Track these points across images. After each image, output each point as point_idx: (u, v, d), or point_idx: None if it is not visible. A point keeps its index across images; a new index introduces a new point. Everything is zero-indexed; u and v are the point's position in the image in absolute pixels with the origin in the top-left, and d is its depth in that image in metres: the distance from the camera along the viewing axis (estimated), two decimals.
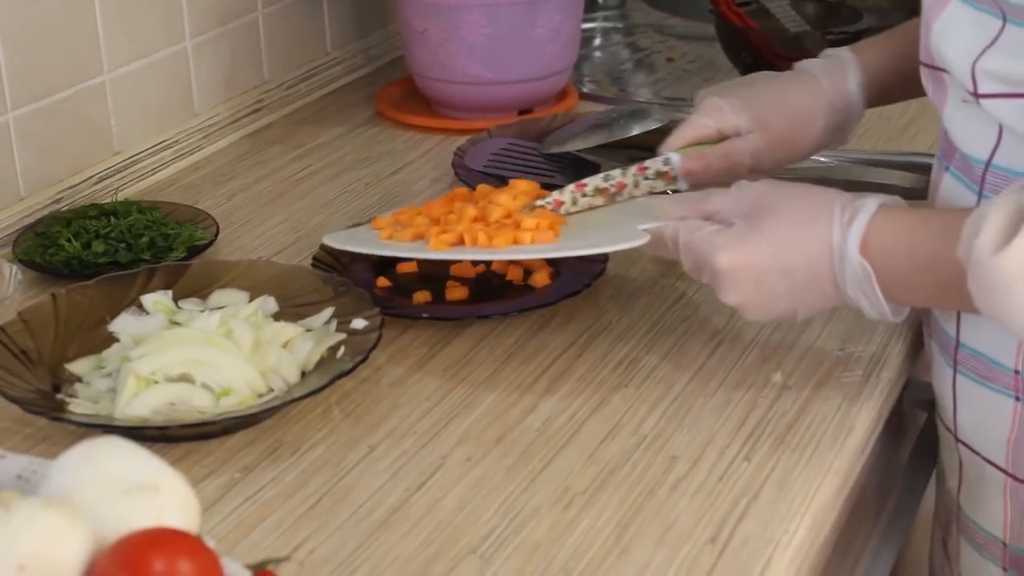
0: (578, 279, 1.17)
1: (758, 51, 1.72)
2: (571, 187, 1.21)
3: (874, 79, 1.21)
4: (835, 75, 1.20)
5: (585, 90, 1.73)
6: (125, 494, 0.69)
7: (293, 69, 1.65)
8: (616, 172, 1.22)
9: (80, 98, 1.35)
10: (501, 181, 1.36)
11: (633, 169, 1.21)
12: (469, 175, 1.38)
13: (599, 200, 1.21)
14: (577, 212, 1.19)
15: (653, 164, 1.21)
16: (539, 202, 1.20)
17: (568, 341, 1.11)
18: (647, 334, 1.11)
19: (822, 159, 1.40)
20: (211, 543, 0.71)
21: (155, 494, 0.70)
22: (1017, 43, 0.91)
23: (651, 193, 1.21)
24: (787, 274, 0.98)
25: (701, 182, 1.19)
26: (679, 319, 1.14)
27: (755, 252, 0.99)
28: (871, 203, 0.97)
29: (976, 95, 0.94)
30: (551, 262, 1.19)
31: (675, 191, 1.21)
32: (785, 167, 1.24)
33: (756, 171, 1.20)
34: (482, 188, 1.23)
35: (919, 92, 1.20)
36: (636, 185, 1.22)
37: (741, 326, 1.11)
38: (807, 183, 1.03)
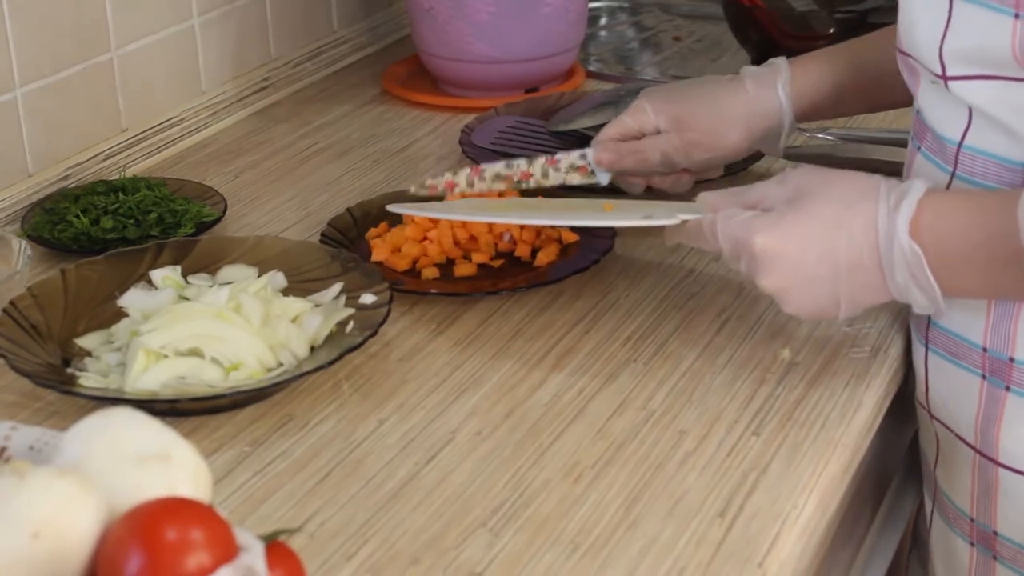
0: (586, 256, 1.17)
1: (765, 30, 1.72)
2: (467, 171, 1.22)
3: (806, 91, 1.21)
4: (765, 83, 1.21)
5: (592, 69, 1.73)
6: (137, 464, 0.70)
7: (300, 47, 1.65)
8: (522, 161, 1.24)
9: (88, 75, 1.35)
10: (508, 158, 1.37)
11: (542, 160, 1.24)
12: (476, 152, 1.38)
13: (500, 186, 1.23)
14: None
15: (567, 157, 1.24)
16: (428, 180, 1.22)
17: (576, 318, 1.11)
18: (655, 311, 1.12)
19: (827, 136, 1.40)
20: (223, 513, 0.72)
21: (167, 464, 0.70)
22: (968, 20, 0.92)
23: (565, 185, 1.24)
24: (828, 258, 0.94)
25: (619, 175, 1.25)
26: (686, 296, 1.14)
27: (794, 232, 0.95)
28: (919, 184, 0.93)
29: (944, 78, 0.95)
30: (559, 240, 1.19)
31: (592, 186, 1.25)
32: (709, 166, 1.25)
33: (668, 168, 1.23)
34: None
35: (857, 109, 1.26)
36: (545, 175, 1.24)
37: (749, 303, 1.12)
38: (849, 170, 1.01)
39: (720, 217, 0.99)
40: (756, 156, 1.35)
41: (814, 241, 0.94)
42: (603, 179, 1.24)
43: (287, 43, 1.63)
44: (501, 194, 1.23)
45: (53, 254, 1.20)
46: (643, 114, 1.22)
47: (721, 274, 1.16)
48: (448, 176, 1.23)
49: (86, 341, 1.04)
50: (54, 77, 1.32)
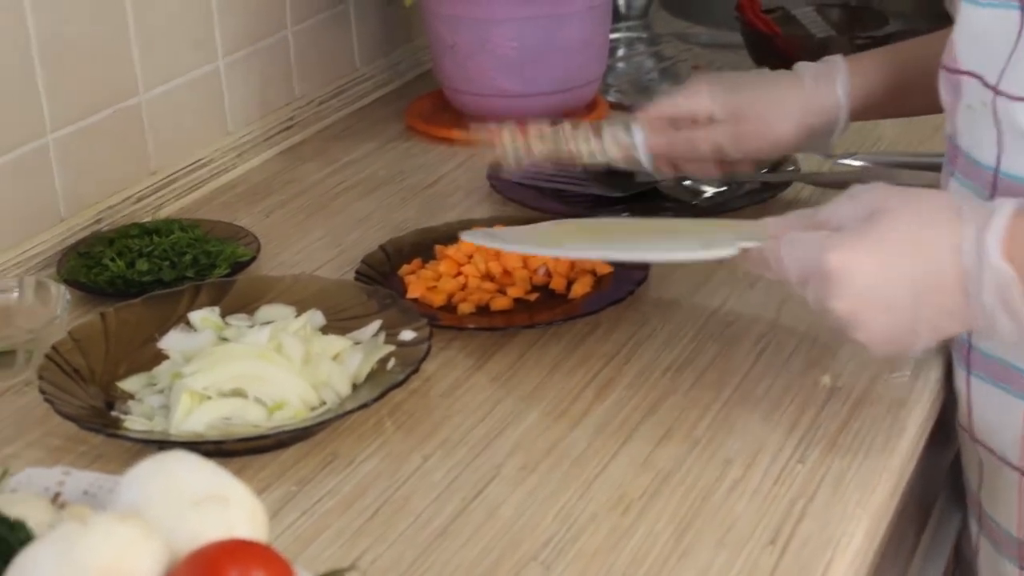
0: (620, 287, 1.17)
1: (785, 57, 1.72)
2: (512, 126, 1.25)
3: (862, 90, 1.21)
4: (821, 78, 1.22)
5: (611, 99, 1.74)
6: (195, 507, 0.70)
7: (323, 86, 1.66)
8: (566, 125, 1.26)
9: (116, 119, 1.36)
10: (538, 192, 1.37)
11: (587, 131, 1.25)
12: (506, 187, 1.39)
13: (542, 146, 1.26)
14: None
15: (611, 130, 1.25)
16: (473, 128, 1.28)
17: (614, 349, 1.11)
18: (692, 340, 1.12)
19: (853, 162, 1.40)
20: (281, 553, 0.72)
21: (225, 506, 0.71)
22: None
23: (595, 156, 1.26)
24: (906, 279, 0.87)
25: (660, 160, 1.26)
26: (723, 325, 1.14)
27: (870, 252, 0.88)
28: (1008, 204, 0.87)
29: (996, 92, 0.94)
30: (593, 272, 1.20)
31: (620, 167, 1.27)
32: (756, 160, 1.28)
33: (719, 160, 1.24)
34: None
35: (909, 111, 1.24)
36: (589, 149, 1.25)
37: (786, 330, 1.12)
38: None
39: (785, 240, 0.93)
40: (784, 184, 1.36)
41: (892, 260, 0.87)
42: (644, 160, 1.25)
43: (310, 82, 1.64)
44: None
45: (89, 298, 1.20)
46: (698, 98, 1.22)
47: (757, 301, 1.16)
48: (493, 127, 1.26)
49: (128, 384, 1.04)
50: (84, 122, 1.32)
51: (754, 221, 1.01)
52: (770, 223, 0.98)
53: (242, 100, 1.53)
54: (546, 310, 1.16)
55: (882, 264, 0.88)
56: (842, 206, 0.93)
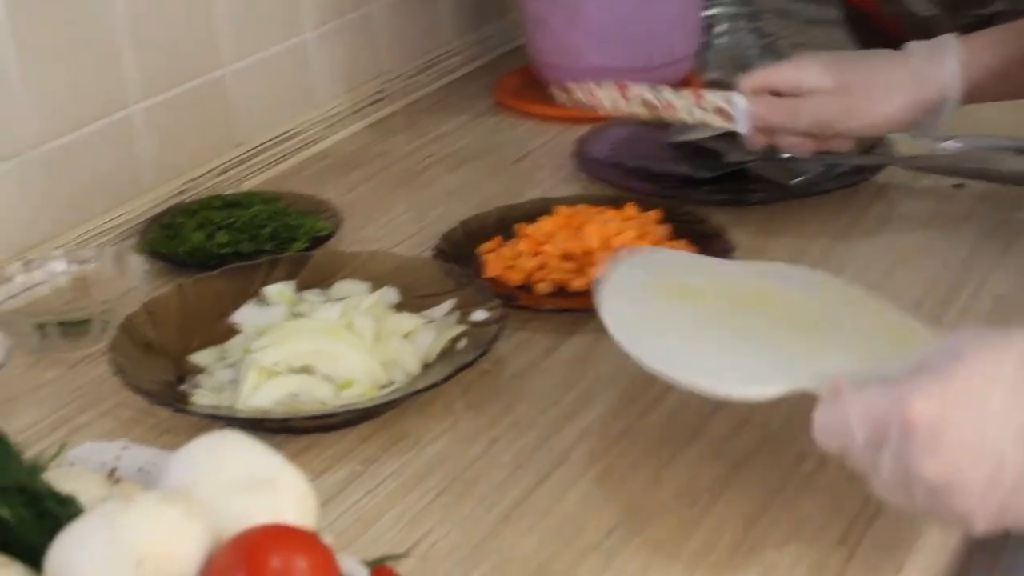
0: None
1: (886, 36, 1.67)
2: (612, 86, 1.22)
3: (975, 71, 1.19)
4: (932, 57, 1.19)
5: (711, 77, 1.70)
6: (243, 490, 0.69)
7: (412, 59, 1.64)
8: (668, 91, 1.24)
9: (202, 91, 1.36)
10: (624, 170, 1.35)
11: (688, 94, 1.24)
12: (590, 165, 1.37)
13: (641, 111, 1.24)
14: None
15: (713, 97, 1.23)
16: (571, 86, 1.28)
17: None
18: None
19: (952, 144, 1.36)
20: (328, 539, 0.71)
21: (273, 490, 0.69)
22: None
23: (692, 113, 1.24)
24: (1011, 429, 0.70)
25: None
26: None
27: (964, 392, 0.70)
28: None
29: None
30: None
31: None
32: (855, 137, 1.24)
33: (815, 135, 1.21)
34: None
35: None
36: (689, 112, 1.24)
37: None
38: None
39: (850, 393, 0.74)
40: (878, 168, 1.32)
41: (993, 404, 0.70)
42: (742, 127, 1.23)
43: (400, 55, 1.62)
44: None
45: (169, 269, 1.20)
46: (806, 69, 1.21)
47: None
48: (592, 87, 1.26)
49: (200, 357, 1.04)
50: (169, 93, 1.32)
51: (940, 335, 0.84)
52: (834, 382, 0.76)
53: (330, 73, 1.52)
54: None
55: (981, 409, 0.70)
56: (927, 352, 0.75)
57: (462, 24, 1.72)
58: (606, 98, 1.25)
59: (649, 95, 1.23)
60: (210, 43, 1.36)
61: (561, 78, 1.56)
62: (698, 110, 1.23)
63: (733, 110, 1.23)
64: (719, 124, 1.24)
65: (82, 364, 1.07)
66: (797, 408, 0.97)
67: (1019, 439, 0.69)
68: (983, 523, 0.71)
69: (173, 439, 0.96)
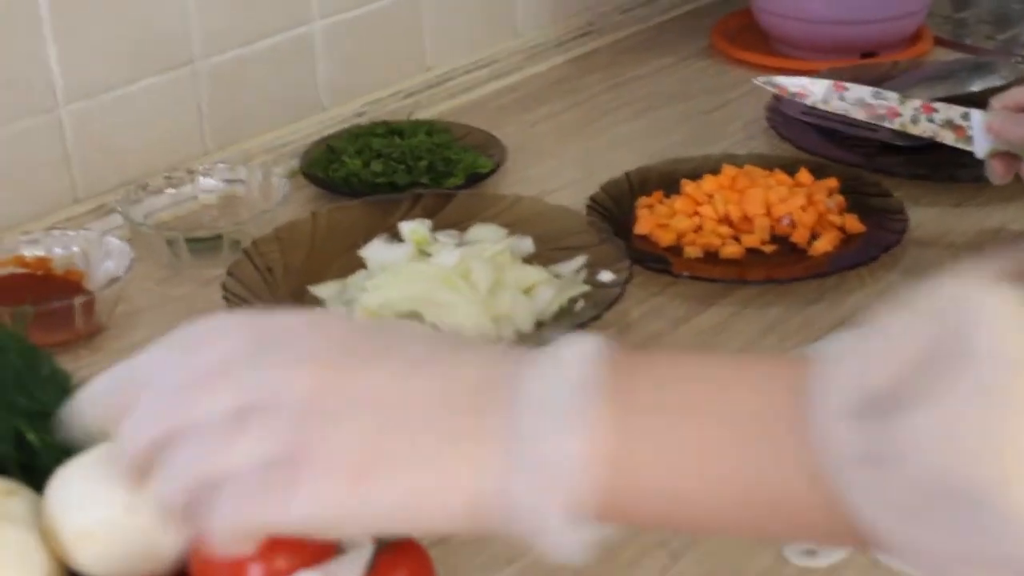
0: (868, 250, 1.06)
1: None
2: (829, 83, 1.12)
3: None
4: None
5: (966, 40, 1.58)
6: None
7: None
8: (893, 95, 1.12)
9: (392, 11, 1.33)
10: (819, 133, 1.26)
11: (916, 103, 1.12)
12: (784, 122, 1.28)
13: (859, 113, 1.13)
14: None
15: (947, 111, 1.10)
16: (779, 80, 1.18)
17: (840, 317, 1.00)
18: None
19: None
20: None
21: None
22: None
23: (933, 140, 1.10)
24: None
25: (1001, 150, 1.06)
26: None
27: None
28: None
29: None
30: (842, 228, 1.09)
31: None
32: None
33: None
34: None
35: None
36: (915, 121, 1.11)
37: None
38: None
39: None
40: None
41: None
42: (980, 150, 1.08)
43: None
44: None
45: (324, 194, 1.18)
46: None
47: None
48: (805, 82, 1.17)
49: (320, 290, 1.01)
50: (356, 11, 1.30)
51: None
52: None
53: (537, 1, 1.47)
54: (783, 265, 1.06)
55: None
56: None
57: None
58: (820, 93, 1.16)
59: (869, 98, 1.12)
60: None
61: (776, 27, 1.49)
62: (926, 122, 1.12)
63: (969, 127, 1.10)
64: (950, 141, 1.11)
65: (210, 284, 1.06)
66: None
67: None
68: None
69: None
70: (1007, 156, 1.06)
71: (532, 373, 0.52)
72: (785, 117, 1.29)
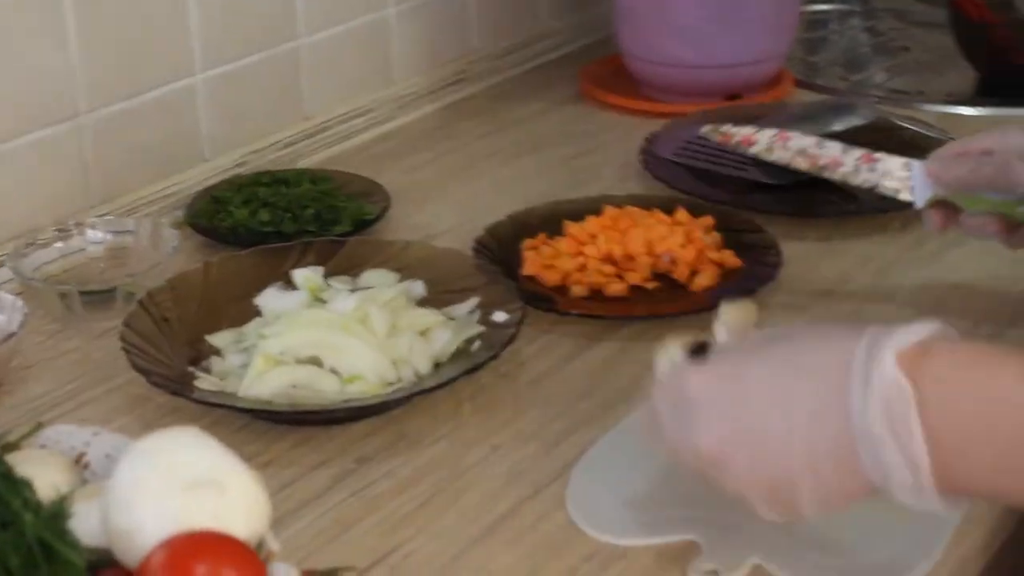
0: (746, 284, 1.11)
1: (998, 48, 1.61)
2: (773, 131, 1.16)
3: None
4: None
5: (819, 81, 1.64)
6: (188, 490, 0.68)
7: (501, 40, 1.62)
8: (836, 147, 1.13)
9: (272, 62, 1.35)
10: (691, 173, 1.31)
11: (858, 152, 1.12)
12: (657, 163, 1.33)
13: (800, 162, 1.15)
14: None
15: (887, 161, 1.10)
16: (726, 128, 1.22)
17: None
18: None
19: None
20: (274, 545, 0.69)
21: (220, 494, 0.68)
22: None
23: (875, 191, 1.10)
24: (779, 410, 0.71)
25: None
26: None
27: (736, 371, 0.74)
28: (918, 325, 0.71)
29: None
30: (720, 264, 1.13)
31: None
32: None
33: (1005, 189, 1.02)
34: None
35: None
36: (855, 173, 1.12)
37: None
38: None
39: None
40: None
41: (764, 384, 0.72)
42: (920, 199, 1.07)
43: (488, 35, 1.60)
44: None
45: (211, 244, 1.19)
46: (1005, 136, 1.02)
47: (888, 313, 1.08)
48: (749, 131, 1.20)
49: (217, 339, 1.03)
50: (237, 63, 1.32)
51: None
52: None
53: (410, 50, 1.51)
54: (665, 301, 1.10)
55: (749, 389, 0.72)
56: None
57: (556, 6, 1.69)
58: (763, 143, 1.19)
59: (812, 148, 1.15)
60: (287, 13, 1.36)
61: (643, 71, 1.54)
62: (867, 172, 1.12)
63: (910, 177, 1.09)
64: (890, 192, 1.10)
65: (104, 336, 1.07)
66: None
67: (783, 418, 0.70)
68: (759, 506, 0.73)
69: (179, 420, 0.95)
70: (946, 207, 1.06)
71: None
72: (657, 159, 1.34)
